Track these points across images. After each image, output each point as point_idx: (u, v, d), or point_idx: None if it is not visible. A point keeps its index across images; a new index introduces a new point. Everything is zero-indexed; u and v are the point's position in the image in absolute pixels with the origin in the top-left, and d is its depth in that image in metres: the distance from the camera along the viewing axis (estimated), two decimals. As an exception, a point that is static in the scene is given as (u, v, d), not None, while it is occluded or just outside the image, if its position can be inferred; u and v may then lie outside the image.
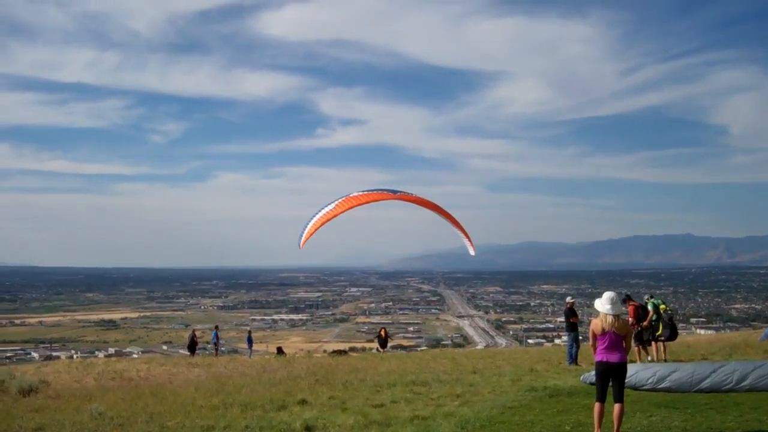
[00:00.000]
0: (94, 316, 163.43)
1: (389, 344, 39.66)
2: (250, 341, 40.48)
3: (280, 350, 38.08)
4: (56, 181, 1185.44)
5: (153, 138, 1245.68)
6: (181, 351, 66.10)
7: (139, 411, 15.24)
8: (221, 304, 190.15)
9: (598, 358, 11.54)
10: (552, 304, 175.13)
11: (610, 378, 11.38)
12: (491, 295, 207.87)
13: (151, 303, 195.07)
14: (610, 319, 11.49)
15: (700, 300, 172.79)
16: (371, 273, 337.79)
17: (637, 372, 16.15)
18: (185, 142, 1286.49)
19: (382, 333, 38.74)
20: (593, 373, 11.98)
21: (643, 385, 15.96)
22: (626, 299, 22.99)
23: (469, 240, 27.38)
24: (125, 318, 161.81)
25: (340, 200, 23.35)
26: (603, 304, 11.62)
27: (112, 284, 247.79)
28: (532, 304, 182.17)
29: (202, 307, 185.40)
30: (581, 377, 17.73)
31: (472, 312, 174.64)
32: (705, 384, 15.55)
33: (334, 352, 37.05)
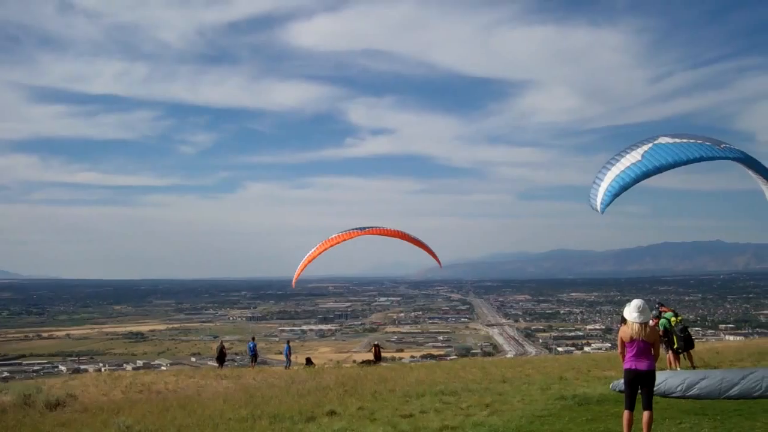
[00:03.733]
0: (122, 329, 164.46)
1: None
2: (288, 352, 40.04)
3: (309, 361, 38.08)
4: (85, 194, 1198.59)
5: (182, 149, 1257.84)
6: (210, 363, 66.34)
7: (168, 424, 15.30)
8: (250, 315, 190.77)
9: (626, 365, 11.44)
10: (581, 312, 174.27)
11: (639, 385, 11.29)
12: (520, 303, 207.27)
13: (180, 315, 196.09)
14: (637, 326, 11.39)
15: (728, 306, 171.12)
16: (400, 282, 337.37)
17: (666, 379, 16.01)
18: (215, 153, 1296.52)
19: (376, 349, 39.48)
20: (622, 380, 11.87)
21: (673, 393, 15.82)
22: (659, 306, 22.88)
23: (435, 256, 32.35)
24: (153, 330, 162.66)
25: (319, 243, 28.81)
26: (631, 311, 11.53)
27: (140, 296, 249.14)
28: (562, 312, 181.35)
29: (231, 319, 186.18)
30: (610, 385, 17.59)
31: (502, 320, 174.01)
32: (734, 391, 15.40)
33: (363, 362, 37.00)
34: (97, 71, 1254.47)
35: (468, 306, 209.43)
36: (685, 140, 16.21)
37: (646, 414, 11.20)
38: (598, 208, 15.95)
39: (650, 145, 16.05)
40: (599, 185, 16.12)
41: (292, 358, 40.60)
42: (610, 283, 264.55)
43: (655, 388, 11.92)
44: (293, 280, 29.92)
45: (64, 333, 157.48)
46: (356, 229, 30.15)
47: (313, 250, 29.41)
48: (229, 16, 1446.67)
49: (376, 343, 43.10)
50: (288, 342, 41.87)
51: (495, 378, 22.32)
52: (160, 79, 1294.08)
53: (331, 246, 29.39)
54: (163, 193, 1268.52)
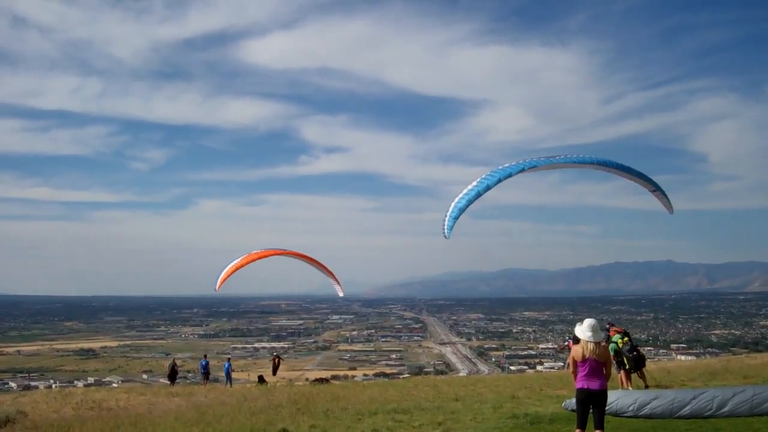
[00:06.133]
0: (74, 345, 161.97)
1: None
2: (228, 370, 39.33)
3: (261, 379, 37.79)
4: (37, 209, 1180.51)
5: (135, 165, 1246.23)
6: (161, 380, 65.57)
7: (118, 441, 15.10)
8: (202, 333, 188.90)
9: (578, 385, 11.56)
10: (534, 331, 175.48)
11: (591, 405, 11.41)
12: (473, 321, 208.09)
13: (132, 331, 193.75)
14: (591, 346, 11.53)
15: (680, 326, 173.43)
16: (354, 300, 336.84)
17: (618, 399, 16.18)
18: (168, 170, 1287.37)
19: (276, 361, 40.41)
20: (574, 399, 11.99)
21: (625, 412, 15.97)
22: (609, 326, 23.09)
23: (338, 283, 34.72)
24: (105, 347, 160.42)
25: (244, 255, 31.29)
26: (584, 331, 11.66)
27: (91, 313, 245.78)
28: (514, 330, 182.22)
29: (183, 336, 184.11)
30: (563, 404, 17.73)
31: (455, 339, 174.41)
32: (686, 410, 15.59)
33: (316, 380, 36.85)
34: (51, 86, 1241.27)
35: (421, 324, 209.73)
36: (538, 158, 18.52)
37: (597, 433, 11.33)
38: (445, 234, 17.18)
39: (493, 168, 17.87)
40: (445, 216, 17.77)
41: (234, 375, 40.19)
42: (563, 302, 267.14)
43: (607, 408, 12.05)
44: (217, 285, 31.26)
45: (14, 349, 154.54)
46: (278, 248, 33.15)
47: (237, 260, 31.44)
48: (183, 33, 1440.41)
49: (276, 354, 43.37)
50: (228, 359, 40.93)
51: (447, 396, 22.37)
52: (113, 95, 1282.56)
53: (254, 260, 31.59)
54: (116, 209, 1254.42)
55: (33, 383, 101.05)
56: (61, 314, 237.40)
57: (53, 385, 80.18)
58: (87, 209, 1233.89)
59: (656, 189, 19.09)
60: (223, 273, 31.24)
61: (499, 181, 17.12)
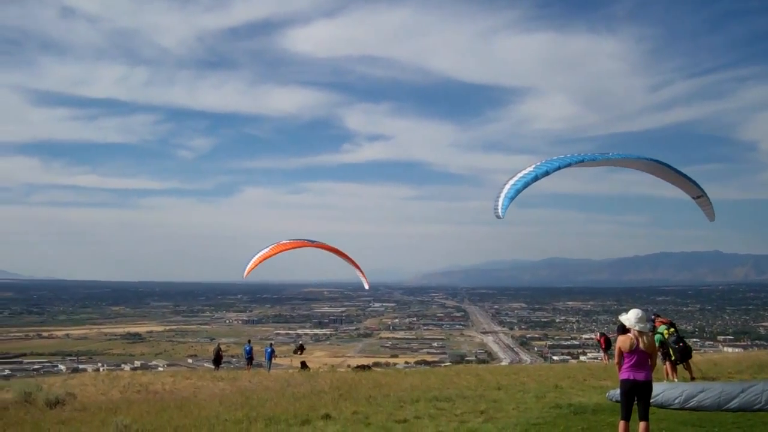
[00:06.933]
0: (121, 330, 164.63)
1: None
2: (269, 355, 39.68)
3: (304, 365, 38.06)
4: (85, 196, 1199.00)
5: (181, 153, 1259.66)
6: (206, 364, 66.27)
7: (165, 424, 15.32)
8: (246, 318, 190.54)
9: (624, 375, 11.42)
10: (577, 321, 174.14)
11: (636, 396, 11.29)
12: (516, 311, 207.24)
13: (177, 317, 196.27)
14: (639, 336, 11.40)
15: (727, 317, 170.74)
16: (395, 288, 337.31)
17: (664, 391, 15.98)
18: (213, 158, 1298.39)
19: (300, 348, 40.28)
20: (618, 390, 11.87)
21: (671, 405, 15.77)
22: (655, 317, 22.88)
23: (364, 275, 34.39)
24: (151, 331, 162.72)
25: (273, 245, 31.58)
26: (632, 321, 11.51)
27: (138, 298, 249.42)
28: (557, 320, 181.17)
29: (227, 321, 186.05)
30: (607, 394, 17.59)
31: (497, 328, 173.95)
32: (733, 404, 15.29)
33: (358, 367, 37.00)
34: (98, 75, 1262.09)
35: (463, 313, 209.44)
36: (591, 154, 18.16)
37: (642, 425, 11.20)
38: (499, 213, 16.94)
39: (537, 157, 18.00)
40: (499, 195, 17.29)
41: (276, 361, 40.43)
42: (607, 292, 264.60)
43: (652, 399, 11.91)
44: (245, 273, 31.54)
45: (63, 333, 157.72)
46: (306, 240, 33.32)
47: (266, 249, 31.73)
48: (228, 22, 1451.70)
49: (301, 342, 43.70)
50: (270, 344, 41.26)
51: (490, 385, 22.32)
52: (159, 84, 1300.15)
53: (281, 251, 31.76)
54: (162, 196, 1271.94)
55: (81, 366, 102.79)
56: (108, 299, 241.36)
57: (101, 368, 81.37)
58: (134, 196, 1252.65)
59: (701, 196, 18.78)
60: (252, 262, 31.58)
61: (559, 168, 16.91)
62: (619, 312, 13.12)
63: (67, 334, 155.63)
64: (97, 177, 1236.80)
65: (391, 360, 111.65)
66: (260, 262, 31.50)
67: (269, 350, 38.90)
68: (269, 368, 37.26)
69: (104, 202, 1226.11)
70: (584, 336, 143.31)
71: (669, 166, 18.14)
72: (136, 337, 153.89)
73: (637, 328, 11.46)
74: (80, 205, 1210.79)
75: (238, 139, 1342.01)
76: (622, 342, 11.48)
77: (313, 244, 33.14)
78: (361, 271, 34.59)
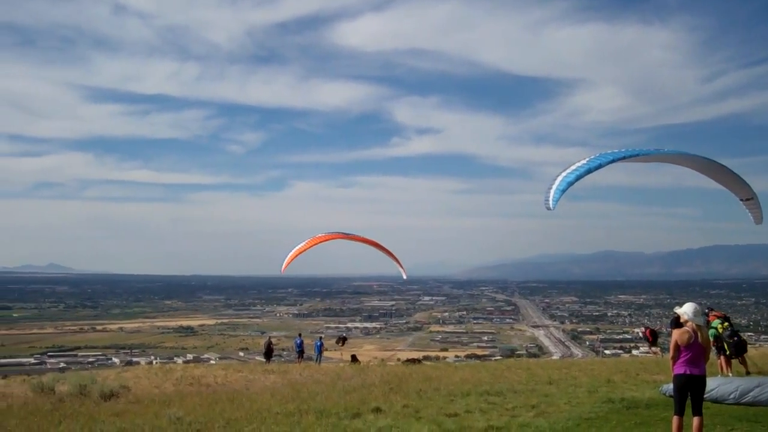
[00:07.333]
0: (173, 323, 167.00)
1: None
2: (319, 348, 39.32)
3: (354, 358, 38.16)
4: (137, 191, 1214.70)
5: (231, 148, 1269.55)
6: (257, 358, 66.85)
7: (217, 416, 15.48)
8: (296, 312, 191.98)
9: (679, 370, 11.25)
10: (629, 315, 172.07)
11: (690, 391, 11.13)
12: (567, 305, 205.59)
13: (228, 310, 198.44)
14: (697, 330, 11.24)
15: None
16: (445, 282, 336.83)
17: (719, 386, 15.73)
18: (263, 152, 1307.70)
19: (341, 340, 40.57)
20: (671, 385, 11.69)
21: (726, 400, 15.52)
22: (708, 311, 22.53)
23: (401, 265, 34.76)
24: (203, 325, 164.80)
25: (308, 239, 32.31)
26: (689, 314, 11.34)
27: (190, 292, 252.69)
28: (609, 314, 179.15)
29: (278, 315, 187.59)
30: (660, 389, 17.38)
31: (548, 322, 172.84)
32: (790, 399, 15.04)
33: (408, 360, 37.02)
34: (150, 71, 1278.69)
35: (513, 307, 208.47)
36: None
37: (696, 420, 11.06)
38: (549, 205, 16.87)
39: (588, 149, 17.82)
40: (550, 188, 17.21)
41: (326, 354, 40.72)
42: (659, 285, 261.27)
43: (706, 394, 11.77)
44: (283, 267, 32.26)
45: (117, 326, 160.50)
46: (342, 232, 33.84)
47: (302, 243, 32.27)
48: (277, 17, 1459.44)
49: (343, 334, 43.86)
50: (320, 338, 41.53)
51: (541, 379, 22.17)
52: (210, 79, 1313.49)
53: (317, 243, 32.39)
54: (213, 191, 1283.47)
55: (135, 359, 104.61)
56: (161, 293, 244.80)
57: (154, 361, 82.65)
58: (185, 191, 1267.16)
59: (751, 198, 18.44)
60: (288, 256, 31.98)
61: (612, 161, 16.88)
62: (671, 306, 12.95)
63: (121, 328, 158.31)
64: (150, 172, 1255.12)
65: (441, 354, 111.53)
66: (296, 256, 31.96)
67: (318, 343, 39.08)
68: (319, 361, 37.43)
69: (156, 196, 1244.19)
70: (636, 330, 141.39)
71: (723, 166, 17.86)
72: (189, 331, 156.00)
73: (699, 321, 11.29)
74: (133, 200, 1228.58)
75: (287, 133, 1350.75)
76: (679, 336, 11.29)
77: (347, 236, 33.59)
78: (398, 261, 34.90)
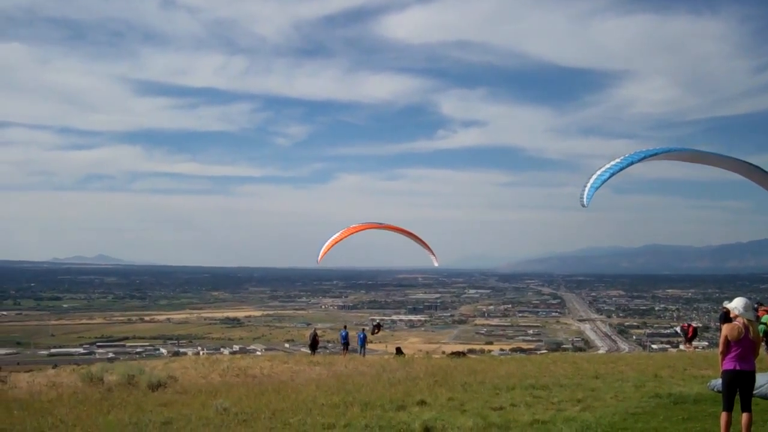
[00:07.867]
0: (220, 314, 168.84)
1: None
2: (362, 340, 38.81)
3: (399, 350, 38.19)
4: (185, 183, 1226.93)
5: (278, 141, 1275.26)
6: (303, 349, 67.31)
7: (263, 407, 15.63)
8: (341, 304, 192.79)
9: (728, 365, 11.09)
10: (677, 309, 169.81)
11: (739, 387, 10.97)
12: (613, 298, 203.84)
13: (274, 302, 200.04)
14: (747, 325, 11.08)
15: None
16: (490, 275, 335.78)
17: (768, 382, 15.48)
18: (309, 145, 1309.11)
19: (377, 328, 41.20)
20: (720, 380, 11.54)
21: (775, 395, 15.26)
22: (758, 306, 22.21)
23: (433, 253, 35.08)
24: (249, 316, 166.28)
25: (343, 229, 32.58)
26: (740, 309, 11.17)
27: (237, 283, 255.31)
28: (657, 308, 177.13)
29: (323, 307, 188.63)
30: (708, 384, 17.15)
31: (594, 315, 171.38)
32: (842, 394, 14.74)
33: (453, 353, 36.96)
34: (198, 65, 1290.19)
35: (559, 300, 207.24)
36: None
37: (745, 416, 10.91)
38: (584, 202, 16.94)
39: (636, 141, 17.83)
40: (586, 184, 17.30)
41: (370, 347, 40.71)
42: (708, 279, 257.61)
43: (756, 390, 11.59)
44: (319, 258, 32.42)
45: (164, 317, 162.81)
46: (375, 222, 34.28)
47: (337, 234, 32.54)
48: (323, 10, 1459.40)
49: (378, 322, 43.96)
50: (363, 330, 41.15)
51: (587, 374, 22.01)
52: (257, 73, 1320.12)
53: (352, 234, 32.64)
54: (260, 184, 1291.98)
55: (182, 350, 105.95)
56: (208, 284, 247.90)
57: (201, 352, 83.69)
58: (233, 183, 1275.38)
59: None
60: (324, 246, 32.22)
61: (644, 158, 16.90)
62: (720, 300, 12.81)
63: (168, 319, 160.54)
64: (197, 164, 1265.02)
65: (486, 347, 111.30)
66: (332, 246, 32.17)
67: (362, 335, 39.04)
68: (363, 353, 37.47)
69: (204, 189, 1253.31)
70: (673, 324, 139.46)
71: (765, 172, 17.63)
72: (235, 322, 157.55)
73: (750, 316, 11.13)
74: (181, 192, 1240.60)
75: (333, 126, 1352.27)
76: (729, 331, 11.12)
77: (381, 225, 34.07)
78: (430, 250, 35.07)
